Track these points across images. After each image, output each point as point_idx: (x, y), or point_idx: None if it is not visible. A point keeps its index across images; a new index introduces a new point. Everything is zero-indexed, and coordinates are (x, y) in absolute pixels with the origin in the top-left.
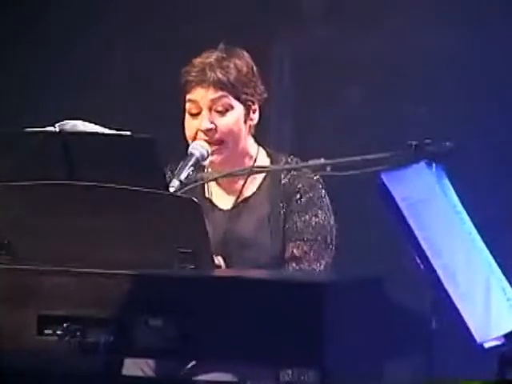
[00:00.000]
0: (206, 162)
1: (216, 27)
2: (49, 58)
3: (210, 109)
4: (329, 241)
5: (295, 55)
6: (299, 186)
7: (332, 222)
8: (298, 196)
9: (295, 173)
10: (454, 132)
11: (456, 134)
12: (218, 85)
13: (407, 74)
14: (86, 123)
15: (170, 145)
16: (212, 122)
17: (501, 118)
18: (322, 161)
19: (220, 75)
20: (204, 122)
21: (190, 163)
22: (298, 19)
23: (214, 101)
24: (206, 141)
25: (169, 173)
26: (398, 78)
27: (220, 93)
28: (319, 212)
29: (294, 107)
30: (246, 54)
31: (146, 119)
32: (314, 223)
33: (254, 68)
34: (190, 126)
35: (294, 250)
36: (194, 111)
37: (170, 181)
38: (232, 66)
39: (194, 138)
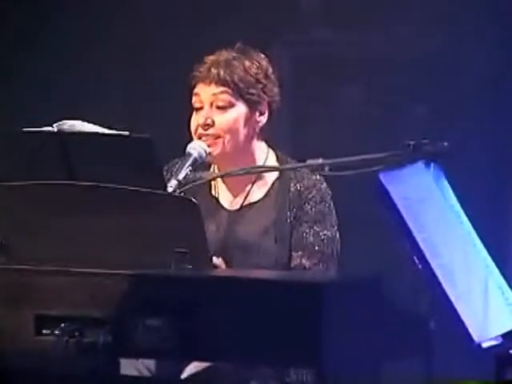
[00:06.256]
0: (209, 159)
1: (216, 27)
2: (48, 58)
3: (212, 104)
4: (335, 254)
5: (295, 55)
6: (310, 196)
7: (338, 236)
8: (309, 207)
9: (306, 182)
10: (452, 132)
11: (454, 134)
12: (220, 82)
13: (405, 74)
14: (85, 123)
15: (169, 145)
16: (209, 118)
17: (499, 118)
18: (321, 161)
19: (222, 73)
20: (202, 116)
21: (188, 163)
22: (298, 19)
23: (214, 96)
24: (203, 135)
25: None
26: (397, 78)
27: (221, 89)
28: (328, 225)
29: (292, 107)
30: (262, 56)
31: (145, 119)
32: (323, 236)
33: (269, 71)
34: (193, 120)
35: (303, 260)
36: (198, 106)
37: (168, 181)
38: (239, 65)
39: (195, 133)
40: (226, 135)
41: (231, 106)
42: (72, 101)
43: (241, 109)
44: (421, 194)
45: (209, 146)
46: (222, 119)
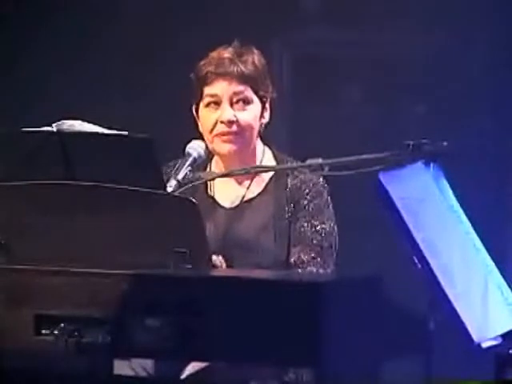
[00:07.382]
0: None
1: (216, 27)
2: (48, 58)
3: (231, 101)
4: (333, 248)
5: (294, 55)
6: (306, 191)
7: (336, 229)
8: (306, 202)
9: (302, 177)
10: (451, 132)
11: (453, 134)
12: (242, 78)
13: (405, 74)
14: (84, 123)
15: (169, 145)
16: (233, 115)
17: (499, 117)
18: (320, 161)
19: (243, 68)
20: (226, 113)
21: (188, 163)
22: (298, 19)
23: (236, 94)
24: (226, 133)
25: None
26: (396, 77)
27: (243, 86)
28: (325, 219)
29: (292, 107)
30: (258, 51)
31: (145, 119)
32: (321, 230)
33: (266, 66)
34: (209, 117)
35: (301, 255)
36: (214, 103)
37: (168, 181)
38: (250, 60)
39: (212, 130)
40: (246, 133)
41: (251, 103)
42: (72, 101)
43: (257, 106)
44: (420, 194)
45: (225, 141)
46: (244, 117)
